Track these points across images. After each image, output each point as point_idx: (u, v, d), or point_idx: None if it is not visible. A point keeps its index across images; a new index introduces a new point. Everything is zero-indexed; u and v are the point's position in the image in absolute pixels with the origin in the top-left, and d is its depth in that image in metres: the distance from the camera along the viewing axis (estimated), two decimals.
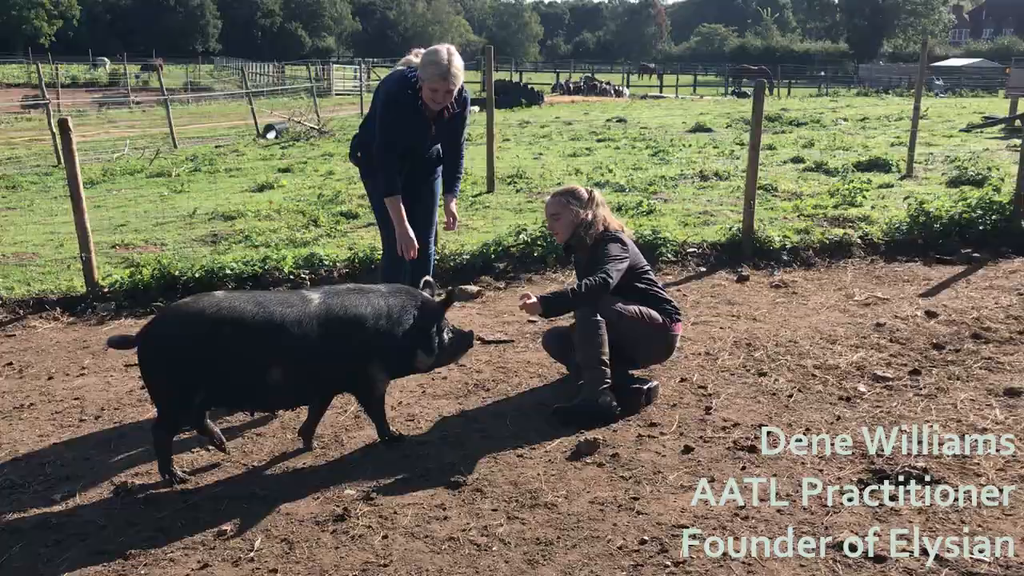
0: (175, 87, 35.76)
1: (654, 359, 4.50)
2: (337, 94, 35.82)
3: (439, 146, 4.71)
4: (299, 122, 20.58)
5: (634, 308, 4.25)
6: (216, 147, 17.70)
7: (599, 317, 4.12)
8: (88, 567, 3.03)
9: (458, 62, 4.27)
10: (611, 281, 4.10)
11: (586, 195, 4.39)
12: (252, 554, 3.07)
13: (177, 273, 6.39)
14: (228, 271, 6.46)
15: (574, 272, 4.92)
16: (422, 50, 4.49)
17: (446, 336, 3.89)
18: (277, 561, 3.03)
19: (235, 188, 11.87)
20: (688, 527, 3.18)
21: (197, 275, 6.39)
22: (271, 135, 19.67)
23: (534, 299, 4.00)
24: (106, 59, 52.99)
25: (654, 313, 4.30)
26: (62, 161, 15.34)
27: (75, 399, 4.56)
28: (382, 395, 3.88)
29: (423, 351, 3.81)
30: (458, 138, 4.68)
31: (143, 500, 3.47)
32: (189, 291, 6.32)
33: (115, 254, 7.73)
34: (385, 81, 4.68)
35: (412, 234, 4.44)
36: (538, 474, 3.61)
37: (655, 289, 4.43)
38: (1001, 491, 3.39)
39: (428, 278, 4.14)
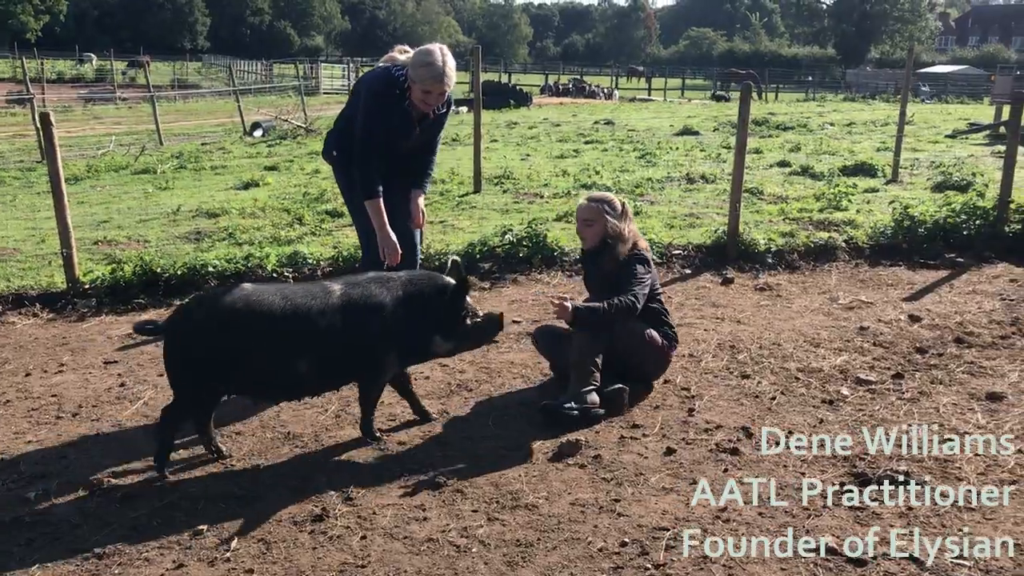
0: (162, 84, 35.55)
1: (645, 377, 4.46)
2: (325, 93, 35.70)
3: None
4: (286, 120, 20.50)
5: (643, 328, 4.29)
6: (202, 144, 17.60)
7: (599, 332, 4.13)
8: (61, 566, 2.99)
9: (452, 63, 4.13)
10: (639, 305, 4.18)
11: (619, 206, 4.36)
12: (228, 554, 3.04)
13: (159, 270, 6.32)
14: (211, 268, 6.41)
15: (582, 277, 4.87)
16: (407, 48, 4.41)
17: (469, 321, 3.89)
18: (254, 561, 3.00)
19: (220, 186, 11.80)
20: (669, 529, 3.16)
21: (179, 272, 6.33)
22: (258, 133, 19.58)
23: (569, 305, 4.02)
24: (92, 55, 52.59)
25: (657, 335, 4.34)
26: (45, 157, 15.39)
27: (52, 396, 4.50)
28: (382, 386, 3.90)
29: (441, 336, 3.83)
30: (435, 137, 4.55)
31: (118, 499, 3.42)
32: (171, 288, 6.28)
33: (97, 250, 7.65)
34: (368, 79, 4.45)
35: (395, 239, 4.23)
36: (519, 475, 3.59)
37: (663, 312, 4.46)
38: (981, 494, 3.39)
39: (456, 258, 4.13)
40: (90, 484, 3.52)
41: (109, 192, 11.52)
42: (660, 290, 4.53)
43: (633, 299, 4.14)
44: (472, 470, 3.62)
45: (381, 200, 4.24)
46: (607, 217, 4.29)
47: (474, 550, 3.05)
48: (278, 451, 3.83)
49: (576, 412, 4.02)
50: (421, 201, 4.50)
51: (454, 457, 3.74)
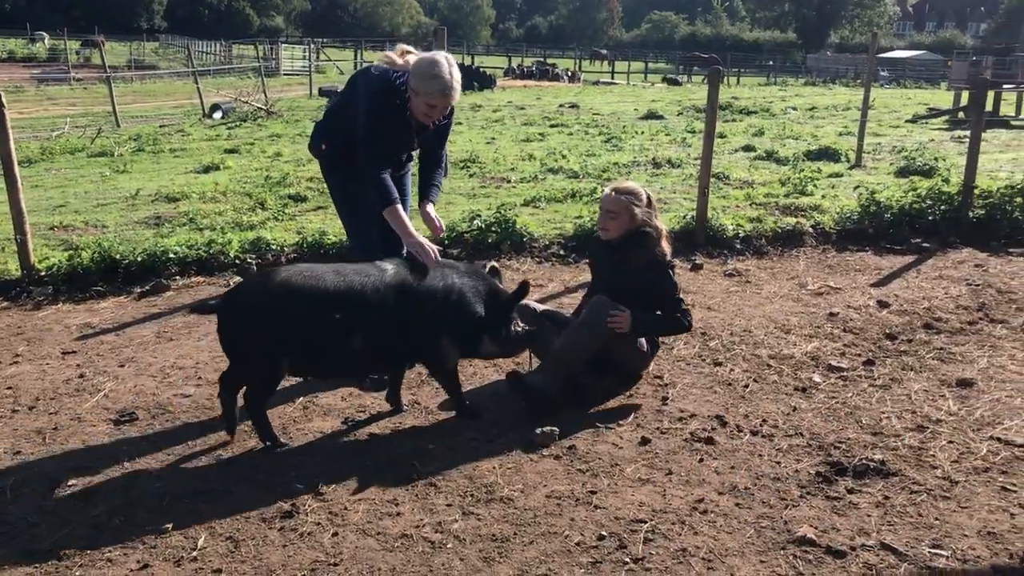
0: (118, 64, 34.75)
1: (624, 373, 4.37)
2: (285, 74, 35.18)
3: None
4: (246, 102, 20.19)
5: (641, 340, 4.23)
6: (160, 127, 17.25)
7: (603, 332, 4.03)
8: (18, 568, 2.85)
9: (458, 74, 3.91)
10: (690, 327, 4.26)
11: (646, 198, 4.19)
12: (195, 553, 2.93)
13: (118, 257, 6.16)
14: (172, 255, 6.25)
15: (589, 266, 4.75)
16: (411, 51, 4.10)
17: (514, 329, 3.90)
18: (222, 560, 2.90)
19: (180, 169, 11.57)
20: (647, 522, 3.11)
21: (140, 259, 6.17)
22: (217, 115, 19.24)
23: (628, 316, 4.00)
24: (45, 34, 51.37)
25: (645, 341, 4.27)
26: None
27: (7, 388, 4.33)
28: (455, 368, 3.92)
29: (490, 337, 3.83)
30: (440, 146, 4.29)
31: (78, 496, 3.29)
32: (131, 275, 6.13)
33: (54, 236, 7.45)
34: (367, 78, 4.12)
35: (424, 241, 3.85)
36: (494, 467, 3.52)
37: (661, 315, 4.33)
38: (956, 483, 3.39)
39: (494, 264, 4.06)
40: (49, 481, 3.40)
41: (65, 175, 11.25)
42: None
43: (689, 319, 4.19)
44: (446, 462, 3.55)
45: (399, 206, 3.94)
46: (632, 209, 4.13)
47: (449, 546, 2.98)
48: (245, 444, 3.72)
49: (543, 393, 3.97)
50: (433, 210, 4.20)
51: (427, 449, 3.67)
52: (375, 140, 3.98)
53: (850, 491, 3.33)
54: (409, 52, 4.12)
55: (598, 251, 4.49)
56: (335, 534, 3.04)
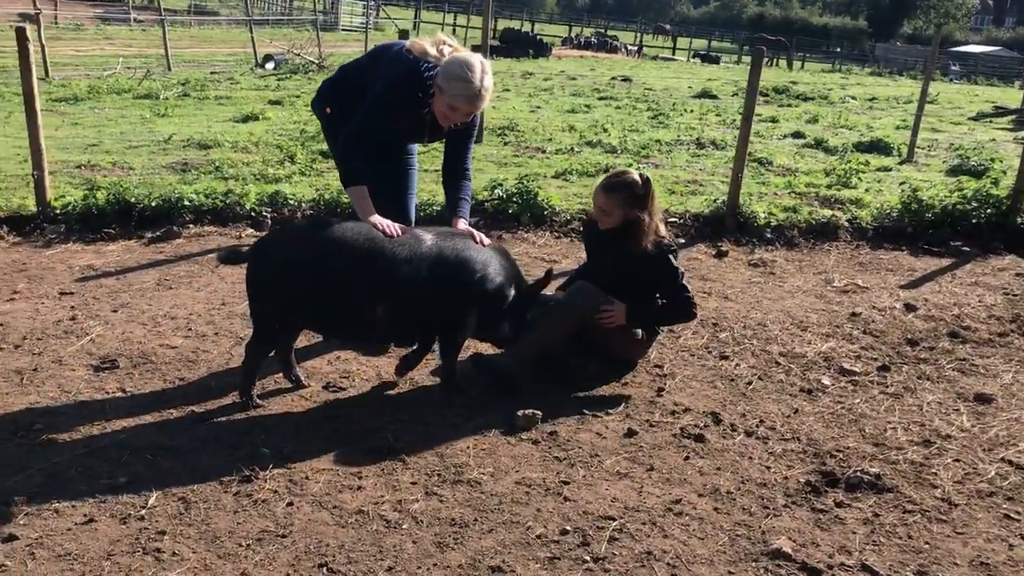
0: (179, 8, 34.96)
1: (615, 359, 4.20)
2: (344, 29, 35.04)
3: None
4: (298, 55, 20.11)
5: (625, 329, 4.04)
6: (211, 73, 17.26)
7: (575, 318, 3.89)
8: None
9: (489, 83, 3.66)
10: (695, 316, 4.08)
11: (641, 184, 3.91)
12: (143, 511, 2.85)
13: (133, 200, 6.10)
14: (187, 202, 6.19)
15: (584, 245, 4.59)
16: (448, 42, 3.85)
17: (528, 320, 3.87)
18: (168, 521, 2.81)
19: (220, 117, 11.53)
20: (616, 519, 2.96)
21: (154, 204, 6.12)
22: (270, 65, 19.21)
23: (622, 309, 3.88)
24: None
25: (640, 331, 4.08)
26: (50, 74, 15.08)
27: None
28: (462, 343, 3.84)
29: (509, 323, 3.82)
30: (462, 153, 4.01)
31: (42, 442, 3.23)
32: (144, 219, 6.08)
33: (79, 175, 7.43)
34: (392, 59, 3.86)
35: (380, 220, 3.61)
36: (467, 447, 3.39)
37: (663, 304, 4.12)
38: (955, 506, 3.18)
39: (550, 267, 4.08)
40: (15, 424, 3.34)
41: (107, 115, 11.26)
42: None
43: (694, 310, 4.00)
44: (419, 438, 3.42)
45: (364, 187, 3.72)
46: (627, 204, 3.88)
47: (404, 526, 2.85)
48: (220, 401, 3.64)
49: (502, 373, 3.87)
50: (466, 225, 3.91)
51: (402, 422, 3.54)
52: (371, 123, 3.77)
53: (838, 504, 3.14)
54: (445, 44, 3.85)
55: (592, 234, 4.26)
56: (290, 504, 2.94)
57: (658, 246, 3.93)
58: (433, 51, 3.80)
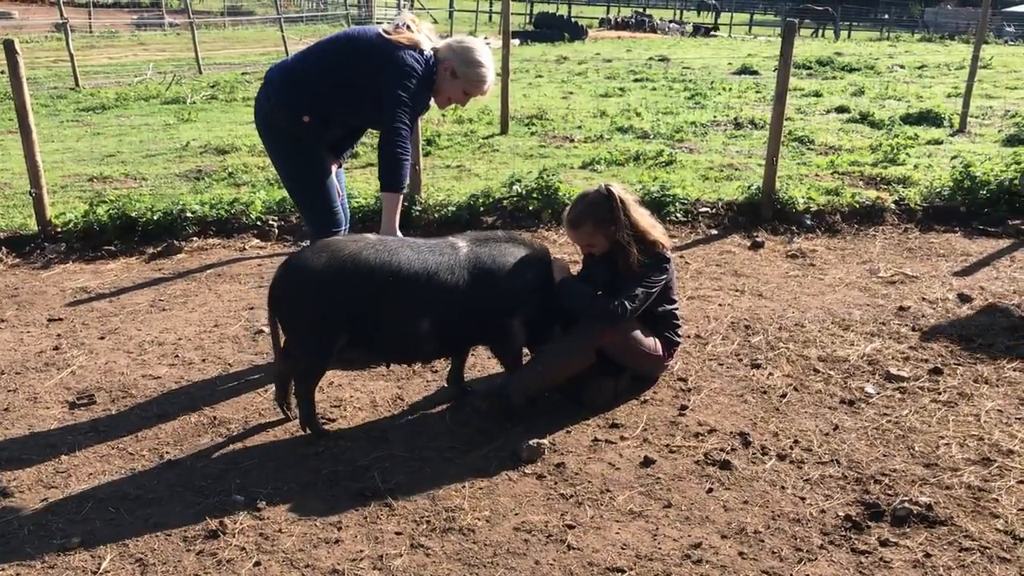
0: (213, 11, 35.03)
1: (639, 374, 3.82)
2: (379, 23, 34.87)
3: None
4: None
5: (647, 339, 3.64)
6: (243, 74, 17.10)
7: (591, 344, 3.51)
8: None
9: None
10: (625, 318, 3.47)
11: (608, 206, 3.54)
12: None
13: (135, 215, 5.86)
14: (189, 214, 5.93)
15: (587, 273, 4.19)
16: (415, 24, 3.69)
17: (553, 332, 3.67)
18: None
19: (244, 119, 11.30)
20: (625, 572, 2.60)
21: (156, 218, 5.86)
22: None
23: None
24: None
25: (659, 344, 3.70)
26: (79, 83, 15.03)
27: None
28: (520, 349, 3.65)
29: (537, 331, 3.61)
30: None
31: None
32: (147, 234, 5.84)
33: (90, 188, 7.24)
34: (395, 55, 3.56)
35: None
36: (463, 486, 3.04)
37: (673, 316, 3.79)
38: (1021, 541, 2.76)
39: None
40: None
41: (131, 123, 11.13)
42: (676, 293, 3.85)
43: (623, 310, 3.44)
44: (410, 477, 3.09)
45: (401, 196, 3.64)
46: (606, 227, 3.54)
47: None
48: (197, 440, 3.34)
49: (500, 396, 3.49)
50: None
51: (394, 459, 3.21)
52: (410, 122, 3.57)
53: (883, 543, 2.74)
54: (413, 24, 3.69)
55: (593, 267, 3.76)
56: (257, 564, 2.62)
57: (655, 255, 3.57)
58: (423, 40, 3.66)
